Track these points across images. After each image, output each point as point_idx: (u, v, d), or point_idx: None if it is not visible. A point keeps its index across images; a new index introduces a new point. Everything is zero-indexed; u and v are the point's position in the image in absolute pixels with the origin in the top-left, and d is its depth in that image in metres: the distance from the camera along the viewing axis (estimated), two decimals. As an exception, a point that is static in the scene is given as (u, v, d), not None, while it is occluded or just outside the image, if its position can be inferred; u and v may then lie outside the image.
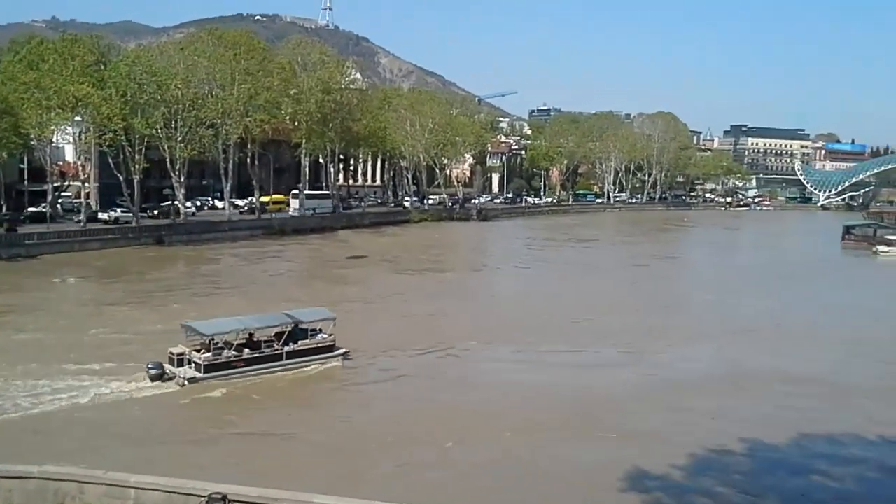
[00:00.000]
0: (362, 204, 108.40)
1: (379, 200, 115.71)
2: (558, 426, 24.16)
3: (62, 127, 64.73)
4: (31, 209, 67.46)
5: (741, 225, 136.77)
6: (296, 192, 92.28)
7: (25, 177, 72.18)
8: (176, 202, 72.93)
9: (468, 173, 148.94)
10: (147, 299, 42.72)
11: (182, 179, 71.88)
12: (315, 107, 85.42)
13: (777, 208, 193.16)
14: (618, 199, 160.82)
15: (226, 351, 27.11)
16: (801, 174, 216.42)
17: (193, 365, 26.35)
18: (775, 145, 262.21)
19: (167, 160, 69.93)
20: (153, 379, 25.95)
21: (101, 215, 68.83)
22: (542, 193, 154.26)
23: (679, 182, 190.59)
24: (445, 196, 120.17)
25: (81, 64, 63.56)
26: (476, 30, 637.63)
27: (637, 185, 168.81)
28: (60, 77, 60.85)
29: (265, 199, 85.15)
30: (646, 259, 76.03)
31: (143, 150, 66.54)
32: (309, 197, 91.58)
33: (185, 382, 25.95)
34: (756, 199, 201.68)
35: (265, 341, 28.38)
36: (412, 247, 76.14)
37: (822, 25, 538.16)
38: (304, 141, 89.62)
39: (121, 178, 66.28)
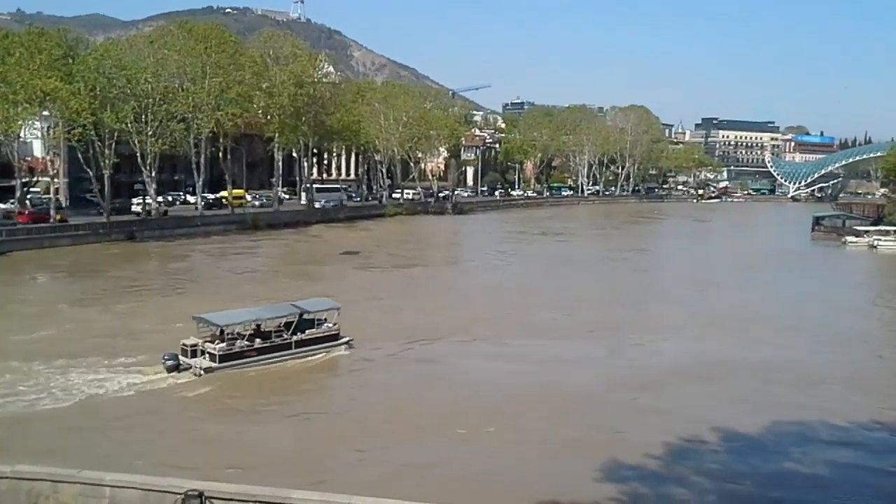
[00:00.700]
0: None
1: (353, 195, 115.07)
2: (537, 418, 24.32)
3: (30, 122, 63.52)
4: (-1, 205, 66.33)
5: (712, 217, 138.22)
6: (307, 185, 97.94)
7: (-7, 172, 70.83)
8: (147, 197, 72.06)
9: (443, 167, 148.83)
10: (103, 298, 42.15)
11: (153, 174, 70.86)
12: (288, 100, 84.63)
13: (748, 200, 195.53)
14: (591, 192, 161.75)
15: (238, 341, 28.30)
16: (771, 166, 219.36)
17: (208, 355, 27.45)
18: (746, 138, 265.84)
19: (138, 155, 68.98)
20: (169, 370, 26.94)
21: (135, 208, 72.29)
22: (516, 186, 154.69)
23: (652, 175, 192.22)
24: (420, 190, 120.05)
25: (49, 58, 62.38)
26: (449, 23, 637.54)
27: (610, 179, 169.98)
28: (27, 71, 59.58)
29: (224, 193, 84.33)
30: (618, 252, 76.61)
31: (114, 144, 65.54)
32: (319, 190, 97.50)
33: (202, 372, 27.02)
34: (726, 191, 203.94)
35: (274, 331, 29.56)
36: (386, 241, 75.87)
37: (790, 19, 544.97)
38: (276, 135, 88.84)
39: (91, 173, 65.36)
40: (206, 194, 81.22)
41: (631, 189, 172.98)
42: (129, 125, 65.86)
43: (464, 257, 71.44)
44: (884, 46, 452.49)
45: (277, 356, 29.01)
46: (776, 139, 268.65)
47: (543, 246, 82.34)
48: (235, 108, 76.85)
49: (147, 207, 71.98)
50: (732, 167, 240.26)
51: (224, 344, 27.75)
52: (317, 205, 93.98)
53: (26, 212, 62.91)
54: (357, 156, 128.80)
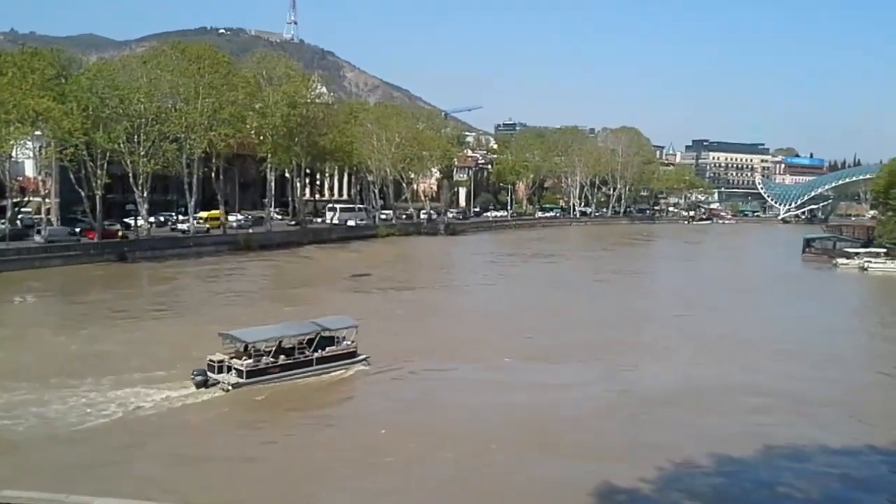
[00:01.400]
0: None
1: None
2: (527, 443, 24.20)
3: (22, 141, 63.41)
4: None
5: (704, 238, 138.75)
6: (332, 206, 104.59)
7: (-17, 192, 70.57)
8: (138, 218, 71.79)
9: (435, 187, 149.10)
10: (113, 319, 41.94)
11: (145, 195, 70.71)
12: (281, 121, 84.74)
13: (739, 222, 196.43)
14: (583, 213, 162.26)
15: (264, 357, 29.18)
16: (761, 188, 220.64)
17: (235, 371, 28.25)
18: (736, 160, 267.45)
19: (130, 175, 68.81)
20: (198, 385, 27.77)
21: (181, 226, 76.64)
22: (509, 207, 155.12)
23: (643, 196, 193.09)
24: (413, 210, 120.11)
25: (41, 77, 62.53)
26: (441, 45, 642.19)
27: (602, 200, 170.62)
28: (20, 91, 59.63)
29: (203, 214, 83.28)
30: (610, 274, 76.66)
31: (105, 164, 65.39)
32: (343, 210, 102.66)
33: (230, 388, 27.91)
34: (717, 213, 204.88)
35: (297, 348, 30.40)
36: (378, 263, 75.60)
37: (777, 41, 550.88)
38: (269, 155, 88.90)
39: (82, 193, 65.15)
40: (198, 214, 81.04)
41: (623, 210, 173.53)
42: (121, 145, 65.78)
43: (457, 279, 71.14)
44: (872, 69, 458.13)
45: (300, 372, 29.96)
46: (766, 161, 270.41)
47: (535, 267, 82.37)
48: (228, 128, 76.80)
49: (138, 228, 71.66)
50: (723, 189, 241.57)
51: (251, 360, 28.66)
52: (351, 223, 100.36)
53: (95, 228, 67.47)
54: (350, 176, 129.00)
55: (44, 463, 20.91)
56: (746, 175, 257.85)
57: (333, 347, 31.34)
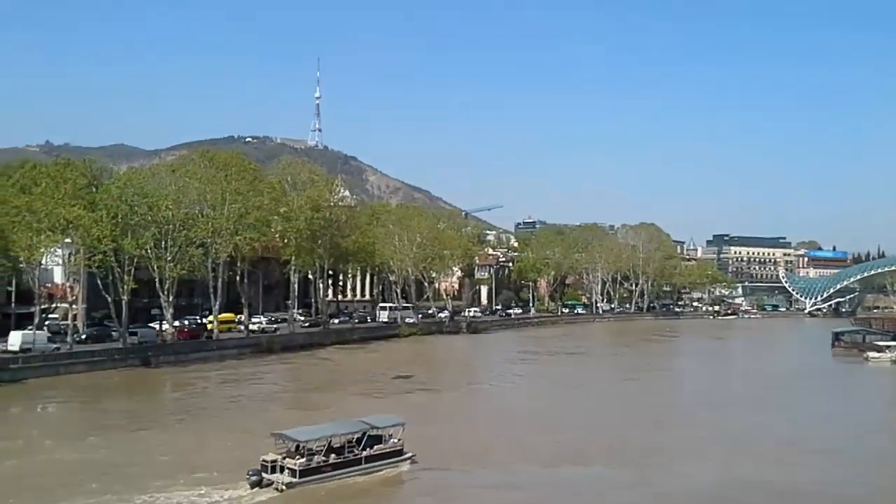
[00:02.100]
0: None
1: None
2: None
3: (52, 249, 64.80)
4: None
5: (730, 334, 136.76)
6: (383, 304, 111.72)
7: (13, 299, 71.78)
8: (164, 322, 72.22)
9: (457, 286, 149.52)
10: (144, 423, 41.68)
11: (170, 299, 71.33)
12: (304, 224, 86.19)
13: (765, 316, 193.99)
14: (606, 309, 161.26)
15: (315, 457, 29.76)
16: (785, 282, 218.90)
17: (288, 471, 28.74)
18: (758, 254, 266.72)
19: (156, 280, 69.65)
20: (253, 485, 28.31)
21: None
22: (531, 305, 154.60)
23: (666, 291, 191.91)
24: (434, 309, 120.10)
25: (73, 187, 64.32)
26: (461, 147, 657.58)
27: (625, 295, 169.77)
28: (52, 200, 61.44)
29: (211, 318, 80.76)
30: (636, 372, 75.35)
31: (133, 270, 66.35)
32: (392, 309, 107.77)
33: (284, 487, 28.37)
34: (742, 308, 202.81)
35: (346, 446, 30.93)
36: (399, 364, 74.86)
37: (793, 134, 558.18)
38: (293, 258, 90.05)
39: (109, 299, 65.91)
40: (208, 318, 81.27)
41: (646, 306, 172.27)
42: (148, 251, 66.78)
43: (483, 379, 70.07)
44: (892, 161, 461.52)
45: (350, 471, 30.42)
46: (789, 254, 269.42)
47: (560, 366, 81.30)
48: (253, 232, 77.97)
49: (163, 332, 71.98)
50: (747, 283, 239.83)
51: (303, 459, 29.17)
52: (410, 319, 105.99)
53: (185, 329, 74.06)
54: (372, 276, 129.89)
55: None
56: (769, 269, 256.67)
57: (381, 445, 31.74)
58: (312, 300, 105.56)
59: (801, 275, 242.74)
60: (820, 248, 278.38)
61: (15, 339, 59.47)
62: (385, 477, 31.13)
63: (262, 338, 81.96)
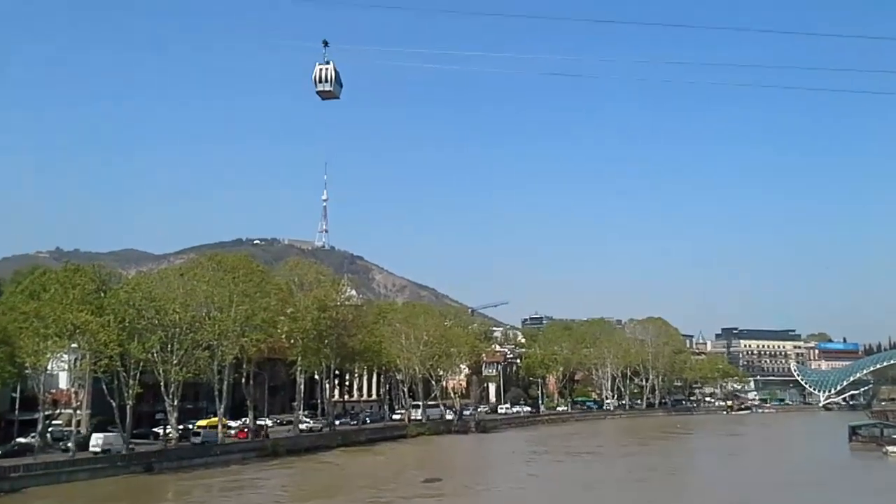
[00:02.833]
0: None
1: (377, 416, 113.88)
2: None
3: (58, 354, 64.75)
4: (19, 440, 65.88)
5: (744, 430, 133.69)
6: (416, 403, 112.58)
7: (16, 406, 71.19)
8: (168, 427, 71.31)
9: (464, 384, 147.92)
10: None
11: (175, 403, 70.63)
12: (311, 324, 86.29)
13: (779, 410, 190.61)
14: (617, 405, 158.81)
15: None
16: (798, 375, 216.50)
17: None
18: (768, 347, 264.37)
19: (161, 383, 69.16)
20: None
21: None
22: (540, 402, 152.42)
23: (677, 386, 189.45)
24: (442, 407, 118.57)
25: (82, 292, 64.87)
26: (466, 244, 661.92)
27: (636, 391, 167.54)
28: (60, 305, 61.85)
29: (203, 423, 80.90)
30: (648, 472, 73.36)
31: (138, 374, 66.10)
32: (428, 407, 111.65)
33: None
34: (754, 402, 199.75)
35: None
36: (405, 467, 73.21)
37: (798, 226, 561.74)
38: (299, 358, 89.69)
39: (114, 404, 65.25)
40: (227, 422, 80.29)
41: (658, 401, 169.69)
42: (154, 355, 66.74)
43: (491, 482, 68.38)
44: None
45: None
46: (799, 347, 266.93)
47: (572, 466, 79.30)
48: (260, 333, 78.05)
49: (167, 437, 70.97)
50: (759, 377, 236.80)
51: None
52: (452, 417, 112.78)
53: (244, 428, 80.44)
54: (378, 375, 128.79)
55: None
56: (780, 362, 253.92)
57: None
58: (319, 401, 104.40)
59: (812, 367, 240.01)
60: (830, 340, 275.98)
61: (97, 441, 63.86)
62: None
63: (268, 441, 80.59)
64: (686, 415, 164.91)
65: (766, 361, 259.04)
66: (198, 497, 57.73)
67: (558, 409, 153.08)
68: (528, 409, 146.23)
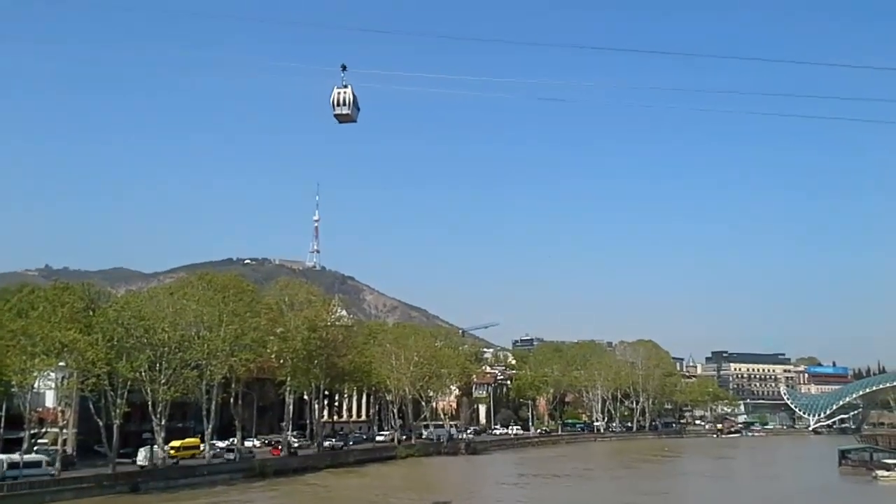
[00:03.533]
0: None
1: (364, 436, 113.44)
2: None
3: (45, 373, 64.23)
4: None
5: (735, 454, 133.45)
6: (426, 423, 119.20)
7: (2, 424, 70.43)
8: (155, 447, 70.63)
9: (454, 405, 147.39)
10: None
11: (163, 422, 70.03)
12: (301, 344, 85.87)
13: (769, 434, 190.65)
14: (607, 428, 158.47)
15: None
16: (787, 399, 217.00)
17: None
18: (758, 370, 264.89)
19: (149, 403, 68.62)
20: None
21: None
22: (530, 423, 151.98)
23: (668, 409, 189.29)
24: (432, 428, 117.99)
25: (70, 310, 64.62)
26: (457, 265, 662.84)
27: (626, 413, 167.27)
28: (48, 324, 61.45)
29: (176, 443, 77.19)
30: (639, 496, 73.22)
31: (126, 393, 65.60)
32: (435, 426, 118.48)
33: None
34: (744, 425, 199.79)
35: None
36: (395, 490, 72.66)
37: (790, 249, 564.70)
38: (289, 378, 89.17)
39: (100, 423, 64.70)
40: (214, 441, 79.61)
41: (648, 424, 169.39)
42: (142, 374, 66.26)
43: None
44: (890, 274, 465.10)
45: None
46: (789, 371, 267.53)
47: (562, 490, 78.93)
48: (249, 353, 77.56)
49: (154, 458, 70.24)
50: (749, 400, 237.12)
51: None
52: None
53: (279, 446, 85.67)
54: (368, 396, 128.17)
55: None
56: (770, 385, 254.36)
57: None
58: (308, 421, 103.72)
59: (802, 391, 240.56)
60: (819, 364, 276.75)
61: (143, 455, 68.06)
62: None
63: (256, 461, 79.92)
64: (676, 437, 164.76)
65: (755, 385, 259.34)
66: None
67: (548, 430, 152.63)
68: (518, 430, 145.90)
